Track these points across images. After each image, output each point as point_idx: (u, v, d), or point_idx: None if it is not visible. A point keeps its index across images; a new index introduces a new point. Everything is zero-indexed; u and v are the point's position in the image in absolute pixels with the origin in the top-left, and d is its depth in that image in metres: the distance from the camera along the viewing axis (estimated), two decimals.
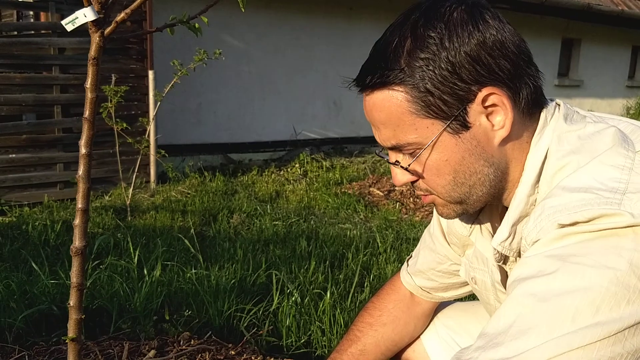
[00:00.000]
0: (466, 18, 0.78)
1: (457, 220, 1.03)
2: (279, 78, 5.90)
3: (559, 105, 0.85)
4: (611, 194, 0.69)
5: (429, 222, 3.64)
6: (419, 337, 1.32)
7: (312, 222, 3.49)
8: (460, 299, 1.30)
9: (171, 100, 4.65)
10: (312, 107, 6.27)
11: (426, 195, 0.91)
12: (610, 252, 0.66)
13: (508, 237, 0.83)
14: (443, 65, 0.77)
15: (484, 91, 0.78)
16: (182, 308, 1.99)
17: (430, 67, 0.77)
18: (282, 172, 5.31)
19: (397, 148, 0.85)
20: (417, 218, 3.70)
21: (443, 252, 1.14)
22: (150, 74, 4.39)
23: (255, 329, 1.88)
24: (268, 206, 3.80)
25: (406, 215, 3.78)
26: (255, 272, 2.30)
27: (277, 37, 5.78)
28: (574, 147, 0.78)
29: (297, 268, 2.44)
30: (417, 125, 0.81)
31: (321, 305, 1.91)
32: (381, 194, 4.23)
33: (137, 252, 2.26)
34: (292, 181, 4.94)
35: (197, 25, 1.37)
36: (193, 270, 2.23)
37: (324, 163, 5.51)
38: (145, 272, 2.14)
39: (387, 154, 0.90)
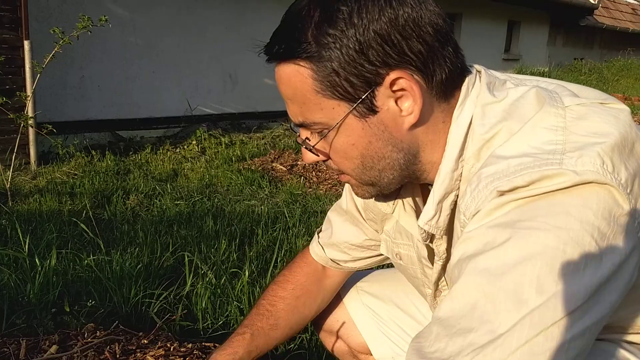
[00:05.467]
0: None
1: (378, 199, 0.99)
2: (169, 50, 5.59)
3: (480, 72, 0.81)
4: (550, 155, 0.65)
5: (333, 195, 3.65)
6: (342, 305, 1.29)
7: (216, 200, 3.35)
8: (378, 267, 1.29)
9: (50, 74, 4.23)
10: (207, 81, 6.03)
11: (341, 174, 0.87)
12: (558, 212, 0.62)
13: (434, 216, 0.80)
14: (351, 45, 0.71)
15: (392, 75, 0.73)
16: (83, 298, 1.81)
17: (337, 45, 0.72)
18: (178, 150, 5.07)
19: (305, 126, 0.81)
20: (321, 191, 3.68)
21: (359, 227, 1.11)
22: (26, 44, 3.96)
23: (169, 314, 1.75)
24: (168, 185, 3.60)
25: (310, 189, 3.75)
26: (163, 254, 2.15)
27: (166, 6, 5.45)
28: (500, 117, 0.74)
29: (206, 248, 2.32)
30: (322, 105, 0.76)
31: (238, 285, 1.82)
32: (284, 168, 4.17)
33: (27, 240, 2.02)
34: (190, 159, 4.73)
35: None
36: (92, 257, 2.03)
37: (222, 139, 5.33)
38: (37, 261, 1.92)
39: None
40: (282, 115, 6.58)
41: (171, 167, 4.32)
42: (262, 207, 3.19)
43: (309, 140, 0.83)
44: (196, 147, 5.21)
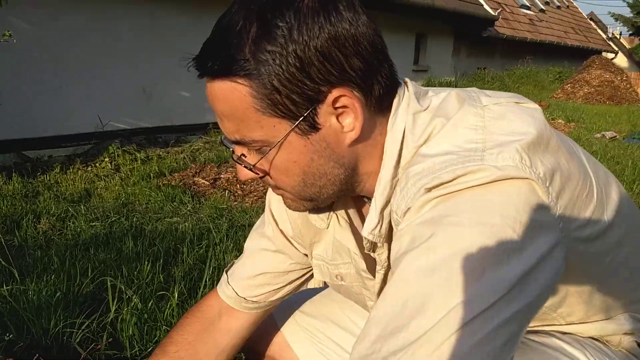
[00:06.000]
0: (318, 7, 0.71)
1: (310, 215, 0.97)
2: (78, 64, 5.35)
3: (406, 83, 0.84)
4: (472, 152, 0.69)
5: (260, 207, 3.60)
6: (275, 327, 1.26)
7: (135, 220, 3.23)
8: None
9: None
10: (120, 95, 5.82)
11: (276, 189, 0.86)
12: (481, 206, 0.65)
13: (378, 224, 0.81)
14: (291, 61, 0.70)
15: (335, 92, 0.73)
16: None
17: (277, 62, 0.70)
18: (90, 168, 4.83)
19: (242, 143, 0.79)
20: (247, 204, 3.64)
21: (286, 251, 1.08)
22: None
23: (93, 344, 1.66)
24: (82, 206, 3.43)
25: (236, 202, 3.70)
26: (82, 280, 2.04)
27: (73, 19, 5.22)
28: (427, 122, 0.77)
29: (127, 271, 2.22)
30: (262, 123, 0.74)
31: (167, 307, 1.76)
32: (207, 183, 4.09)
33: None
34: (103, 177, 4.52)
35: None
36: (5, 287, 1.89)
37: (138, 155, 5.14)
38: None
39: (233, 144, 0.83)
40: (201, 129, 6.46)
41: (83, 186, 4.12)
42: (186, 223, 3.11)
43: (245, 157, 0.80)
44: (109, 165, 4.99)
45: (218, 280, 2.13)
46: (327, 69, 0.71)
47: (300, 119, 0.74)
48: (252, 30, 0.70)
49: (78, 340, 1.68)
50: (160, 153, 5.45)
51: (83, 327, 1.71)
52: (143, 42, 5.87)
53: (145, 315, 1.75)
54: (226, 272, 1.15)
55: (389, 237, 0.83)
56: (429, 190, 0.68)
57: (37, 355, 1.55)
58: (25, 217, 3.10)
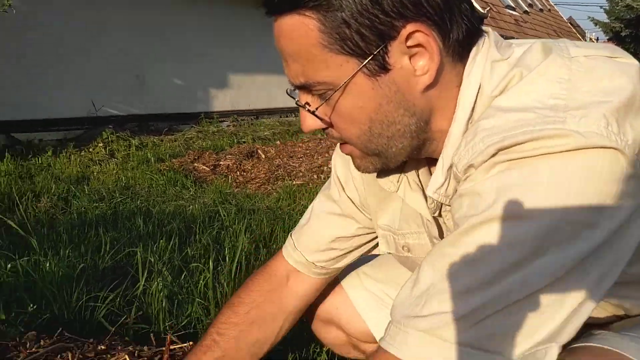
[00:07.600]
0: None
1: (379, 179, 0.90)
2: (71, 46, 5.20)
3: (488, 32, 0.76)
4: (552, 112, 0.61)
5: (263, 194, 3.50)
6: (341, 290, 1.19)
7: (139, 202, 3.13)
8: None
9: None
10: (113, 80, 5.68)
11: (343, 144, 0.80)
12: (558, 181, 0.59)
13: (444, 182, 0.73)
14: None
15: (409, 27, 0.66)
16: (14, 306, 1.58)
17: None
18: (83, 153, 4.70)
19: (306, 87, 0.73)
20: (250, 190, 3.56)
21: (353, 216, 1.02)
22: None
23: (118, 318, 1.57)
24: (85, 186, 3.31)
25: (238, 189, 3.61)
26: (101, 256, 1.95)
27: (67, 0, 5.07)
28: (505, 72, 0.70)
29: (143, 248, 2.13)
30: (329, 62, 0.69)
31: (202, 280, 1.68)
32: (207, 169, 3.99)
33: None
34: (98, 162, 4.40)
35: None
36: (19, 260, 1.79)
37: (132, 141, 5.03)
38: None
39: (298, 94, 0.77)
40: (193, 118, 6.34)
41: (78, 169, 3.99)
42: (195, 205, 3.02)
43: (310, 105, 0.74)
44: (103, 150, 4.86)
45: (247, 259, 2.05)
46: (401, 1, 0.65)
47: (370, 57, 0.67)
48: None
49: (102, 314, 1.59)
50: (155, 140, 5.33)
51: (107, 301, 1.62)
52: (138, 27, 5.73)
53: (176, 289, 1.67)
54: (292, 236, 1.09)
55: None
56: (498, 150, 0.61)
57: (60, 329, 1.46)
58: (25, 196, 2.98)
